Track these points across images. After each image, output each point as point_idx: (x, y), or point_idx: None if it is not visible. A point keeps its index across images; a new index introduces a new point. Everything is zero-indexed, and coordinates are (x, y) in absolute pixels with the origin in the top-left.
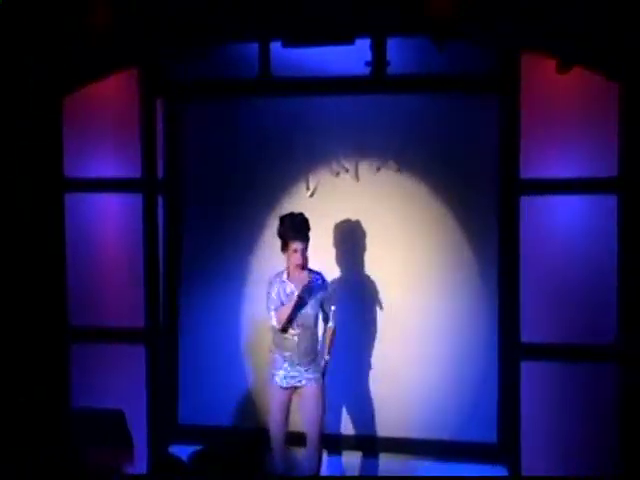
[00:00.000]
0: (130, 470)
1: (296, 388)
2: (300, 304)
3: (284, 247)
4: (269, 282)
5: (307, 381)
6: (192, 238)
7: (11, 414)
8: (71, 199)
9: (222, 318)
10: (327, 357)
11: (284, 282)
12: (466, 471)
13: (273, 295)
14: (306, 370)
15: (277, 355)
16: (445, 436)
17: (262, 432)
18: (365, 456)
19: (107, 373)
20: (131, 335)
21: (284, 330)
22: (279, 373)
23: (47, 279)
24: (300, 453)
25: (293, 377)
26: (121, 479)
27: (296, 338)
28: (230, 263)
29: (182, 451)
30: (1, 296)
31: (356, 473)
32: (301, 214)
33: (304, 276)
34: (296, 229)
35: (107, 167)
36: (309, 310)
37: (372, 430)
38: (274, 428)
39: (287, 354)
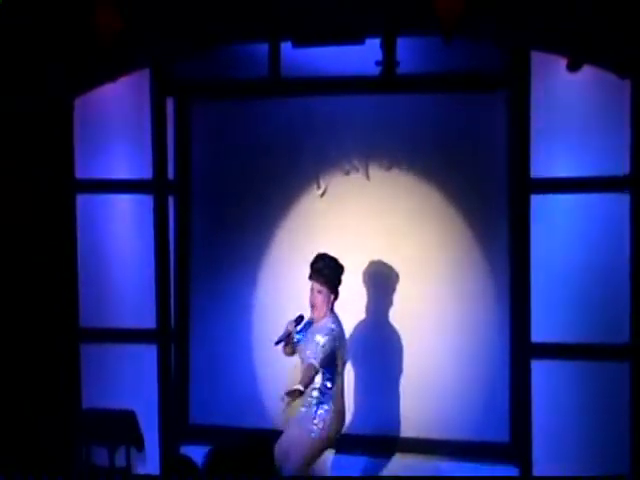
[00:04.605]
0: (142, 470)
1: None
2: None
3: None
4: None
5: (313, 430)
6: (203, 238)
7: (23, 415)
8: (82, 200)
9: (233, 318)
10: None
11: (309, 322)
12: (478, 471)
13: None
14: (314, 418)
15: None
16: (457, 436)
17: (273, 433)
18: (376, 456)
19: (118, 374)
20: (142, 336)
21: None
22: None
23: (58, 280)
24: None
25: (303, 418)
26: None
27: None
28: (241, 263)
29: (193, 451)
30: (12, 297)
31: (367, 473)
32: (331, 259)
33: (315, 316)
34: (313, 268)
35: (118, 168)
36: (303, 349)
37: (383, 431)
38: None
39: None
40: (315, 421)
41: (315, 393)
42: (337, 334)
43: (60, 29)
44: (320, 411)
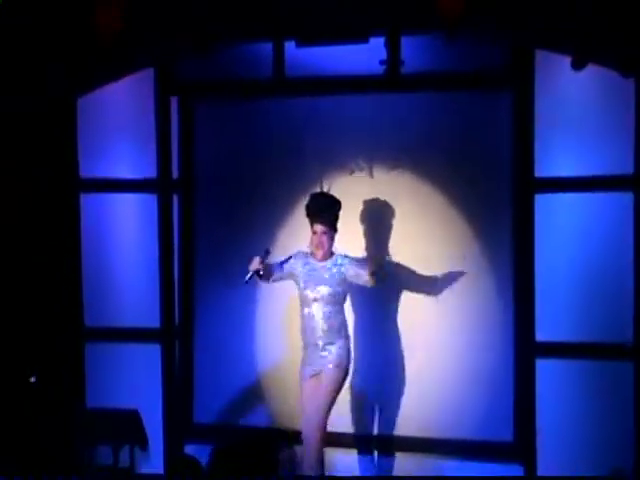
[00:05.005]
0: (146, 469)
1: (318, 374)
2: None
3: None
4: (293, 257)
5: (328, 365)
6: (207, 237)
7: (26, 414)
8: (86, 199)
9: (238, 317)
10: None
11: (308, 260)
12: (482, 470)
13: (286, 263)
14: (331, 354)
15: (304, 343)
16: (461, 435)
17: (277, 431)
18: (380, 455)
19: (123, 373)
20: (146, 335)
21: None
22: (306, 362)
23: (62, 279)
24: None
25: (317, 361)
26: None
27: (314, 314)
28: (245, 261)
29: (197, 450)
30: (16, 296)
31: (370, 472)
32: (330, 197)
33: (321, 257)
34: (316, 210)
35: (122, 167)
36: (328, 289)
37: (388, 429)
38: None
39: (307, 336)
40: (330, 358)
41: (329, 332)
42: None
43: (61, 27)
44: (333, 347)
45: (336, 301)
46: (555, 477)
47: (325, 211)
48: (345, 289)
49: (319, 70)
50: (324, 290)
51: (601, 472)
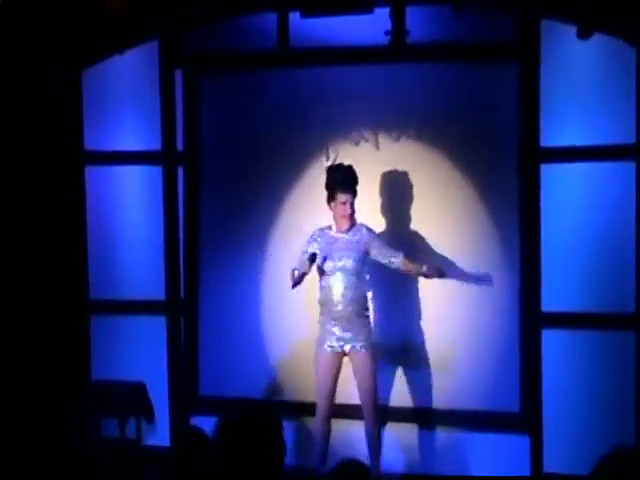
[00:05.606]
0: (152, 441)
1: (345, 354)
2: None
3: (330, 199)
4: (310, 237)
5: (357, 346)
6: (212, 209)
7: (32, 386)
8: (91, 172)
9: (243, 289)
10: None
11: (327, 234)
12: (488, 441)
13: (308, 250)
14: (356, 333)
15: (324, 316)
16: (467, 406)
17: (283, 403)
18: (386, 427)
19: (128, 346)
20: (152, 307)
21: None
22: (326, 336)
23: (68, 251)
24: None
25: (341, 339)
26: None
27: (334, 286)
28: (250, 234)
29: (203, 422)
30: (22, 269)
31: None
32: (349, 166)
33: (348, 227)
34: (345, 181)
35: (127, 140)
36: (349, 260)
37: (394, 401)
38: (319, 398)
39: (328, 310)
40: (361, 340)
41: (350, 305)
42: None
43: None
44: (359, 327)
45: (357, 272)
46: (562, 476)
47: (352, 181)
48: (365, 260)
49: (324, 41)
50: (345, 260)
51: (605, 441)
